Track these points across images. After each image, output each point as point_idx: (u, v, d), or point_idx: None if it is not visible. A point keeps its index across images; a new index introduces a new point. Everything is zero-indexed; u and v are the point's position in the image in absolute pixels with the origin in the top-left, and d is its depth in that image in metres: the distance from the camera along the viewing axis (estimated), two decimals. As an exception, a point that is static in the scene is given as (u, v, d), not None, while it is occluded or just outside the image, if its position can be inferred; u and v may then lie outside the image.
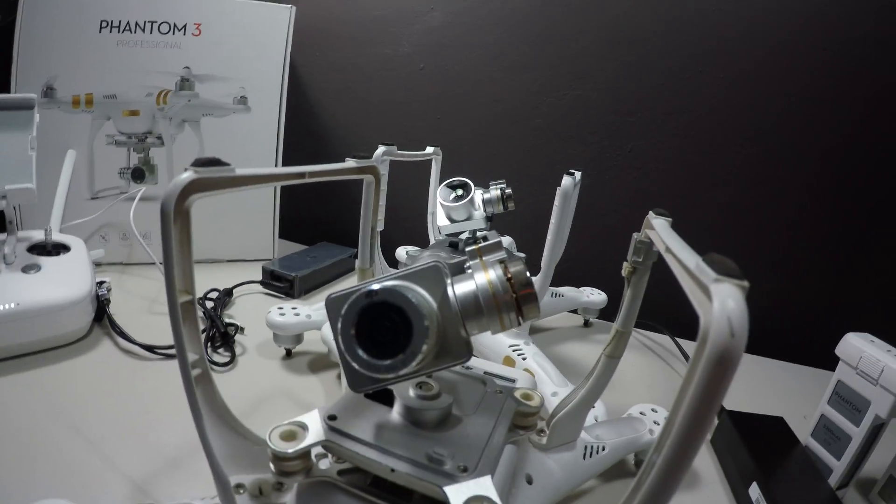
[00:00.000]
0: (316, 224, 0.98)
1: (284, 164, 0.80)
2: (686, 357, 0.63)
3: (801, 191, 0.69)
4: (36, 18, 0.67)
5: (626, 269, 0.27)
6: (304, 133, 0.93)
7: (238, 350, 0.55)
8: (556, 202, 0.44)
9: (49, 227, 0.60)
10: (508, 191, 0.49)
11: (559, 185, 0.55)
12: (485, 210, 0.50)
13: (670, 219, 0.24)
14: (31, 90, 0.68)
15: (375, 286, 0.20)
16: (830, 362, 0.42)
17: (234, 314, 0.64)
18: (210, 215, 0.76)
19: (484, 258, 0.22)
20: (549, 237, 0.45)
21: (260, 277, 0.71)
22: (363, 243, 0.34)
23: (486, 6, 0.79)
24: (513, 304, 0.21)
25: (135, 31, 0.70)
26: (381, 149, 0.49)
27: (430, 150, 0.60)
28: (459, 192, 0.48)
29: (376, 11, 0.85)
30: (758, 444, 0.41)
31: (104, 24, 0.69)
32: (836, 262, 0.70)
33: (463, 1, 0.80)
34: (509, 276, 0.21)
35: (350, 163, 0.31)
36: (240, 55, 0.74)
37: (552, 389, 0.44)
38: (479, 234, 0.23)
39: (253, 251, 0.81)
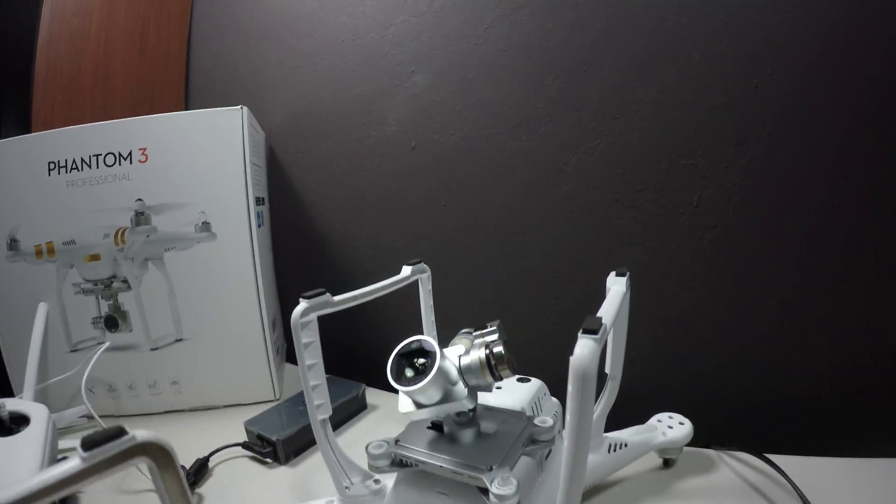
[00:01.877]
0: (328, 348, 0.83)
1: (280, 287, 0.67)
2: (791, 482, 0.41)
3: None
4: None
5: None
6: (299, 242, 0.80)
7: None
8: (571, 383, 0.25)
9: (2, 402, 0.52)
10: (497, 349, 0.31)
11: (611, 272, 0.35)
12: (465, 382, 0.32)
13: None
14: (-2, 245, 0.62)
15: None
16: None
17: (206, 493, 0.50)
18: (199, 355, 0.66)
19: None
20: (568, 421, 0.26)
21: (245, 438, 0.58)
22: None
23: (476, 52, 0.63)
24: None
25: (81, 168, 0.62)
26: (302, 305, 0.34)
27: (406, 270, 0.43)
28: (418, 366, 0.31)
29: (354, 89, 0.71)
30: None
31: (52, 166, 0.63)
32: None
33: (445, 55, 0.65)
34: None
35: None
36: (193, 175, 0.62)
37: None
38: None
39: (254, 392, 0.68)
